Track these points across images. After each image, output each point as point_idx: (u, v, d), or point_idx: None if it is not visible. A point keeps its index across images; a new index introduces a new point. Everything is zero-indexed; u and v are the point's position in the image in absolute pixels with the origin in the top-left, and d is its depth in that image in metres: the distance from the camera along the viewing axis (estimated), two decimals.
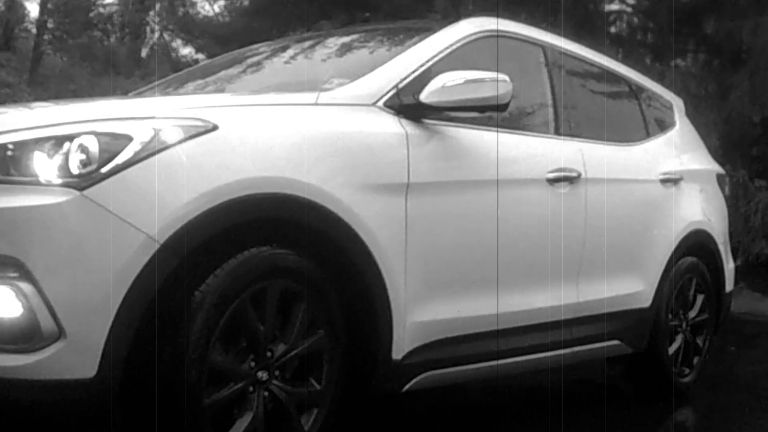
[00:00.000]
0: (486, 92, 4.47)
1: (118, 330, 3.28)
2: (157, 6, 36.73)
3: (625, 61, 16.47)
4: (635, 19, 17.70)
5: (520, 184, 5.04)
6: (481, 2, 17.73)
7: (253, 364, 3.73)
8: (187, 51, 29.15)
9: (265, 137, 3.80)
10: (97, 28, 40.28)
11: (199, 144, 3.54)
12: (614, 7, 18.11)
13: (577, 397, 6.59)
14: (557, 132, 5.59)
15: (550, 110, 5.63)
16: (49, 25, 36.21)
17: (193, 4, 32.82)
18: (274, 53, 5.92)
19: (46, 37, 35.68)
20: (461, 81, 4.43)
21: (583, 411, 6.22)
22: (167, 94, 5.54)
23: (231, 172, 3.59)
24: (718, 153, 14.39)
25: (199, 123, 3.59)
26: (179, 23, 27.05)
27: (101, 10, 40.85)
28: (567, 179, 5.34)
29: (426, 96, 4.41)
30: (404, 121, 4.40)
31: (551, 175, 5.24)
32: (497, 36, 5.37)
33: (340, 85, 4.46)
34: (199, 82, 5.65)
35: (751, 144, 15.94)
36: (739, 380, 7.62)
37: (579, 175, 5.43)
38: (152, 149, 3.42)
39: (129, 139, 3.40)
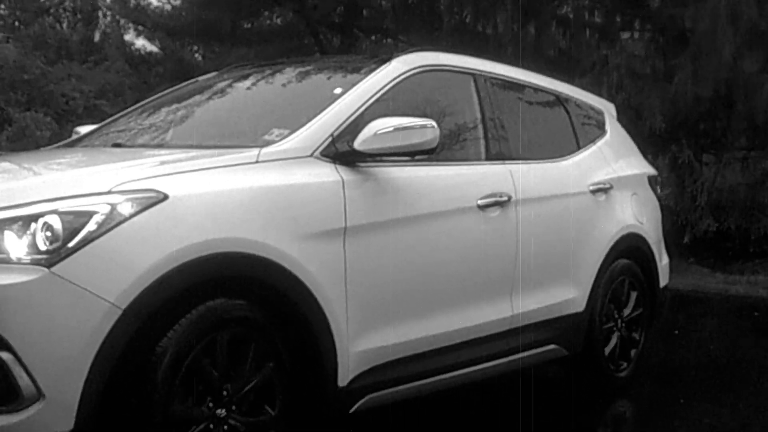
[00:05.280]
0: (415, 138, 4.86)
1: (90, 388, 3.70)
2: None
3: (572, 42, 16.87)
4: (581, 2, 17.90)
5: (452, 214, 5.42)
6: None
7: (211, 404, 4.15)
8: (140, 43, 29.28)
9: (211, 200, 4.20)
10: (48, 14, 39.97)
11: (151, 214, 3.93)
12: None
13: (520, 395, 6.95)
14: (488, 157, 5.96)
15: (481, 136, 6.00)
16: (0, 11, 35.91)
17: None
18: (221, 92, 6.25)
19: None
20: (391, 129, 4.81)
21: (525, 408, 6.61)
22: (129, 128, 5.97)
23: (181, 239, 3.99)
24: (664, 133, 14.84)
25: (151, 194, 3.97)
26: (131, 15, 27.18)
27: None
28: (497, 204, 5.73)
29: (359, 144, 4.79)
30: (340, 168, 4.80)
31: (482, 202, 5.61)
32: (425, 71, 5.76)
33: (280, 136, 4.84)
34: (159, 118, 6.05)
35: (698, 120, 16.28)
36: (678, 369, 8.01)
37: (509, 198, 5.81)
38: (110, 224, 3.81)
39: (89, 215, 3.79)
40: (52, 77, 30.74)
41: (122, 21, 31.49)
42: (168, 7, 28.10)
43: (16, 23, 38.04)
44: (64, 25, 41.13)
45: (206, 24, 22.60)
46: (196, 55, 27.30)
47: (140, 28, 27.22)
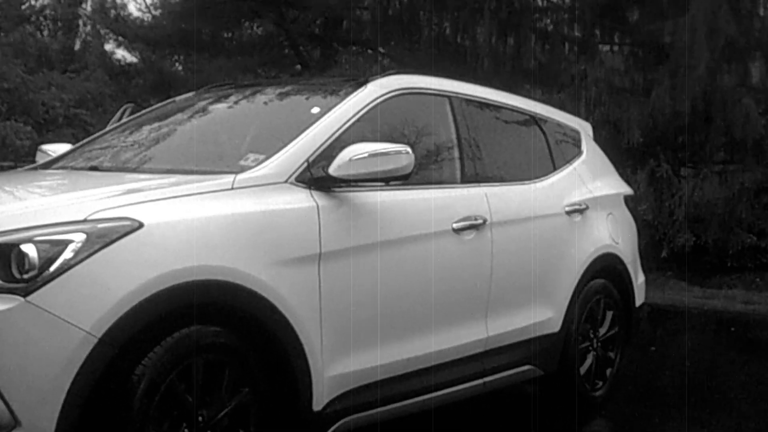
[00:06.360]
0: (390, 164, 4.89)
1: (67, 415, 3.73)
2: (88, 7, 36.59)
3: (550, 55, 16.91)
4: (561, 15, 17.94)
5: (427, 238, 5.46)
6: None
7: (186, 430, 4.17)
8: (120, 53, 29.31)
9: (187, 228, 4.22)
10: (29, 22, 39.94)
11: (126, 243, 3.96)
12: (539, 3, 18.35)
13: (495, 412, 6.99)
14: (463, 180, 6.00)
15: (457, 159, 6.03)
16: None
17: (124, 6, 32.82)
18: (198, 113, 6.27)
19: None
20: (366, 155, 4.84)
21: (500, 425, 6.65)
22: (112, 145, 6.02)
23: (156, 267, 4.02)
24: (642, 147, 14.91)
25: (127, 223, 4.00)
26: (111, 25, 27.18)
27: (33, 2, 40.51)
28: (472, 227, 5.76)
29: (334, 170, 4.83)
30: (315, 193, 4.83)
31: (457, 225, 5.65)
32: (403, 94, 5.80)
33: (256, 161, 4.88)
34: (141, 135, 6.11)
35: (676, 134, 16.35)
36: (653, 388, 8.07)
37: (484, 221, 5.85)
38: (86, 252, 3.84)
39: (65, 244, 3.82)
40: (33, 86, 30.70)
41: (103, 31, 31.52)
42: (148, 17, 28.15)
43: None
44: (45, 34, 41.15)
45: (186, 35, 22.60)
46: (177, 65, 27.33)
47: (120, 38, 27.25)
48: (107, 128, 6.46)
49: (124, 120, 6.45)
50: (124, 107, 8.03)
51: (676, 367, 9.00)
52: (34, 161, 6.39)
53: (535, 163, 6.96)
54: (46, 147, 6.44)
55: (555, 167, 7.10)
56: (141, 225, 4.02)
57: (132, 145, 5.96)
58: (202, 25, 22.70)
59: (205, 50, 23.15)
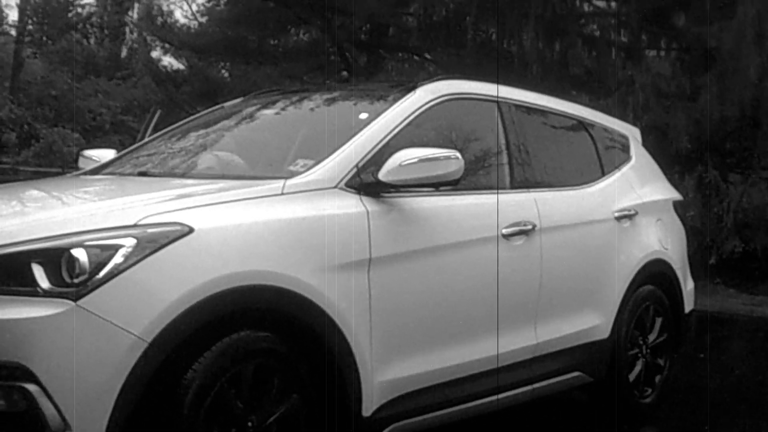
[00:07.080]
0: (439, 170, 4.87)
1: (116, 420, 3.73)
2: (135, 15, 36.80)
3: (597, 61, 16.81)
4: (607, 21, 17.85)
5: (476, 244, 5.44)
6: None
7: None
8: (167, 60, 29.38)
9: (237, 233, 4.23)
10: (75, 29, 40.25)
11: (177, 248, 3.97)
12: (585, 9, 18.29)
13: (543, 419, 6.95)
14: (513, 185, 5.97)
15: (506, 164, 6.00)
16: (29, 26, 36.19)
17: (171, 13, 32.95)
18: (247, 119, 6.31)
19: (27, 39, 35.71)
20: (416, 160, 4.83)
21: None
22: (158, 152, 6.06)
23: (207, 272, 4.02)
24: (690, 153, 14.80)
25: (177, 227, 4.01)
26: (158, 33, 27.25)
27: (79, 10, 40.84)
28: (522, 232, 5.74)
29: (384, 175, 4.82)
30: (365, 199, 4.82)
31: (506, 231, 5.62)
32: (450, 99, 5.77)
33: (305, 167, 4.88)
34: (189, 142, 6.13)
35: (724, 139, 16.23)
36: (703, 395, 7.96)
37: (534, 227, 5.81)
38: (136, 257, 3.85)
39: (115, 249, 3.83)
40: (80, 93, 30.98)
41: (149, 38, 31.65)
42: (194, 24, 28.25)
43: (44, 39, 38.38)
44: (92, 41, 41.49)
45: (233, 42, 22.69)
46: (223, 72, 27.42)
47: (167, 45, 27.30)
48: (145, 133, 6.49)
49: (153, 123, 6.48)
50: (153, 110, 8.12)
51: (726, 374, 8.91)
52: (77, 167, 6.41)
53: (583, 169, 6.93)
54: (88, 152, 6.48)
55: (604, 172, 7.06)
56: (191, 230, 4.03)
57: (180, 151, 5.99)
58: (249, 32, 22.79)
59: (251, 57, 23.21)
